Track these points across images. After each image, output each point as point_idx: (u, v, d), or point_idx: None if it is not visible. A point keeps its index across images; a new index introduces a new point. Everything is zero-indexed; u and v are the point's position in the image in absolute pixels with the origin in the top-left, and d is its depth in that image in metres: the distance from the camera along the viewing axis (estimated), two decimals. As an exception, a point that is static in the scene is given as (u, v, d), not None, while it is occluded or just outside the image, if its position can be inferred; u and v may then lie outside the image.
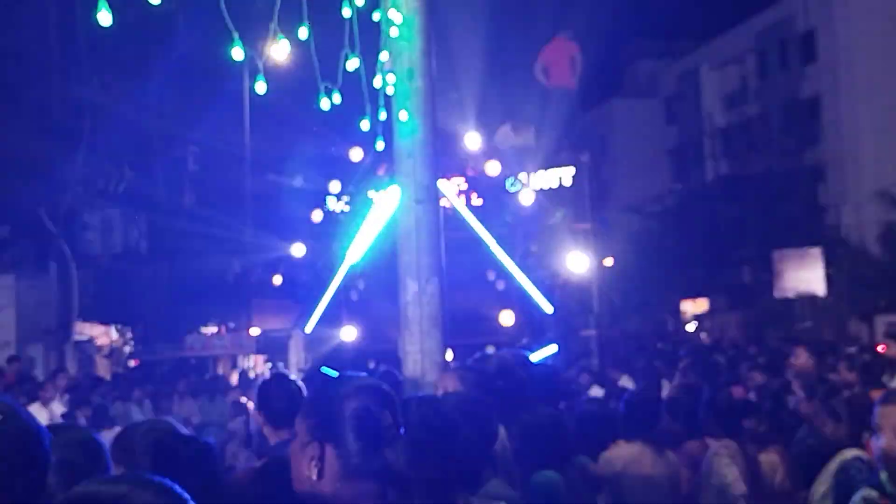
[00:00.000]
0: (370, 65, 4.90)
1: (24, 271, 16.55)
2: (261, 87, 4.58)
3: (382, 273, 9.50)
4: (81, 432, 2.67)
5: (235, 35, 3.95)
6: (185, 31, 17.12)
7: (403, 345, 5.18)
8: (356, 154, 12.67)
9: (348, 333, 12.28)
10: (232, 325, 17.02)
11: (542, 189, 13.81)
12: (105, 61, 17.35)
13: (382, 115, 5.08)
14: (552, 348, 11.47)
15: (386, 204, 10.90)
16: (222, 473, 2.80)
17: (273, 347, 15.79)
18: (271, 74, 4.77)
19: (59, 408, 11.17)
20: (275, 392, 3.88)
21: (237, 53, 4.08)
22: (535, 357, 7.26)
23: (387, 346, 9.58)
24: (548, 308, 12.26)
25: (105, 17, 3.59)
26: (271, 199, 17.22)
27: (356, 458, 2.08)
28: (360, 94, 4.87)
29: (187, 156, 18.95)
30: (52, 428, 2.35)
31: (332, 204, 13.13)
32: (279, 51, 4.43)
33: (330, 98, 4.67)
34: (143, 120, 17.34)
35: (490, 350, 8.68)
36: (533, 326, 12.24)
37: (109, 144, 16.67)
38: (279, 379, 4.07)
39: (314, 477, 2.09)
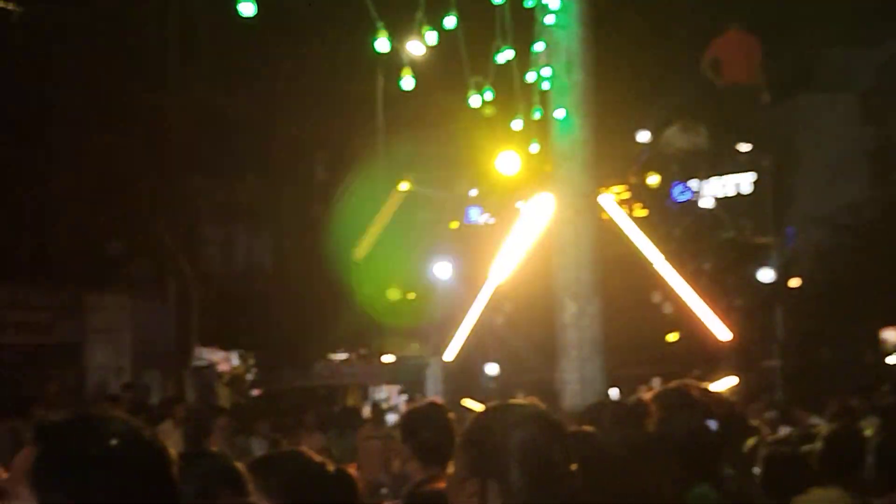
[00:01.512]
0: (523, 58, 4.95)
1: (140, 291, 17.41)
2: (408, 83, 4.69)
3: (532, 294, 9.54)
4: (221, 459, 2.79)
5: (380, 25, 4.07)
6: (309, 33, 17.71)
7: (560, 373, 5.19)
8: (505, 159, 12.78)
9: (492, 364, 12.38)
10: (363, 351, 17.39)
11: (715, 198, 13.59)
12: (225, 69, 18.14)
13: (536, 115, 5.11)
14: (730, 381, 11.25)
15: (537, 215, 10.94)
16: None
17: (409, 376, 16.02)
18: (414, 70, 4.87)
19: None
20: (424, 422, 3.94)
21: (382, 45, 4.20)
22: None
23: (538, 377, 9.61)
24: (723, 335, 12.04)
25: (247, 8, 3.76)
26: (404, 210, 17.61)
27: (522, 496, 2.08)
28: (512, 91, 4.91)
29: (315, 163, 19.58)
30: (192, 455, 2.47)
31: (475, 215, 13.27)
32: (422, 45, 4.53)
33: (481, 95, 4.74)
34: (266, 127, 18.01)
35: (656, 382, 8.60)
36: (706, 355, 12.04)
37: (231, 154, 17.41)
38: (430, 408, 4.13)
39: (474, 515, 2.07)
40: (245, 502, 2.59)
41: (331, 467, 2.84)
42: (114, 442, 1.90)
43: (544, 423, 2.19)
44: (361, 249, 15.85)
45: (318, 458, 2.88)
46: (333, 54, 17.14)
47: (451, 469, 2.32)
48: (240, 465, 2.85)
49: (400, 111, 16.87)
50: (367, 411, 15.97)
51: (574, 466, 2.16)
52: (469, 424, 2.28)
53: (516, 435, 2.13)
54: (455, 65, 4.79)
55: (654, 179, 12.98)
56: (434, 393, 13.86)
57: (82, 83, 16.45)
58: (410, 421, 4.08)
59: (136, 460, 1.91)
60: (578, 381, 5.13)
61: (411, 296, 15.91)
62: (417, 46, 4.63)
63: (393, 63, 4.87)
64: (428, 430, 3.88)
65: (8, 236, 17.47)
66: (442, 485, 3.08)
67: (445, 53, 4.86)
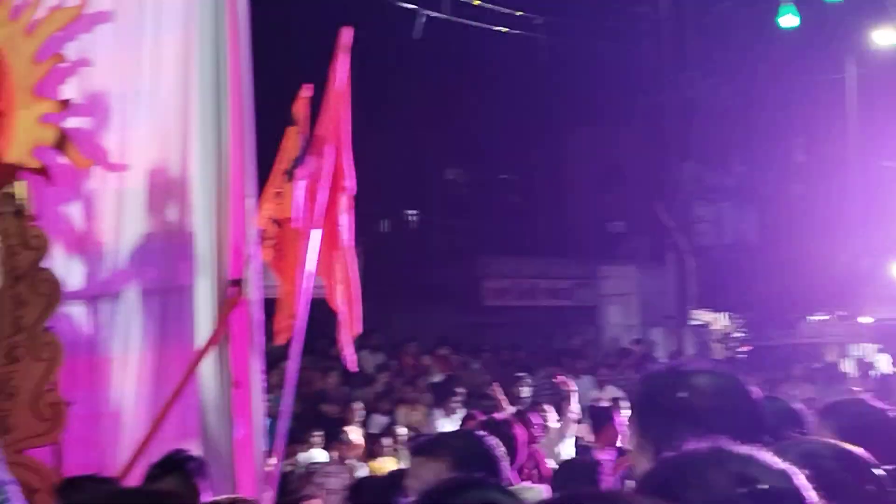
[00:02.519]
0: None
1: (642, 263, 19.90)
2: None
3: None
4: (781, 403, 3.23)
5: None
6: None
7: None
8: None
9: None
10: (842, 312, 18.41)
11: None
12: (707, 59, 19.86)
13: None
14: None
15: None
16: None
17: (888, 337, 16.94)
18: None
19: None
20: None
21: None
22: None
23: None
24: None
25: (790, 20, 5.15)
26: (880, 186, 18.45)
27: None
28: None
29: (794, 147, 20.92)
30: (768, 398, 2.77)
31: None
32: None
33: None
34: (748, 115, 19.62)
35: None
36: None
37: (718, 142, 19.25)
38: None
39: None
40: (811, 440, 2.56)
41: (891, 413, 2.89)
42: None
43: None
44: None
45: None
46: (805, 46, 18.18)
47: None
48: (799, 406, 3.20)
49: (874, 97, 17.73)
50: (847, 366, 17.12)
51: None
52: None
53: None
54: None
55: None
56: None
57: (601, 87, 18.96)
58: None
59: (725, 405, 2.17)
60: None
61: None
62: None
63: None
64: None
65: (537, 220, 20.68)
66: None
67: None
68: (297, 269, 5.44)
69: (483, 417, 7.05)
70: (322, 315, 5.86)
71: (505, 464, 3.24)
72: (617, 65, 18.78)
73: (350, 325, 5.72)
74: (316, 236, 5.50)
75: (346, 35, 5.73)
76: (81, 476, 4.63)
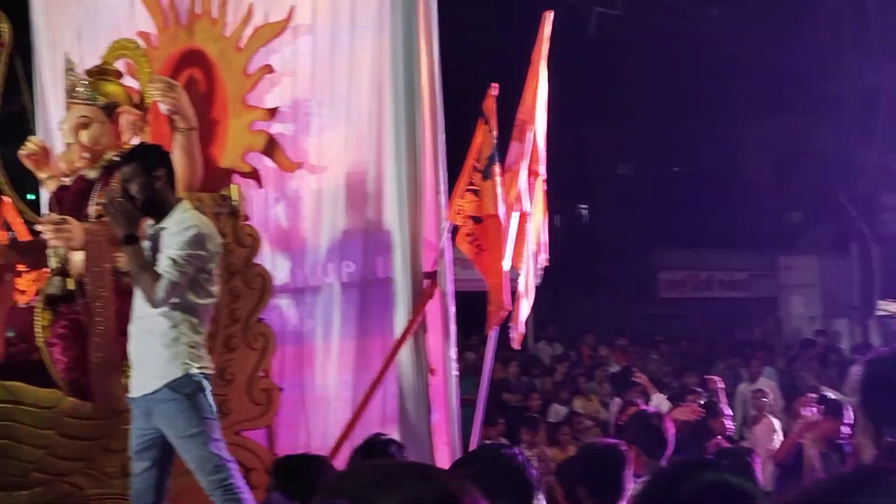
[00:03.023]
0: None
1: (824, 252, 19.28)
2: None
3: None
4: None
5: None
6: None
7: None
8: None
9: None
10: None
11: None
12: (891, 44, 19.08)
13: None
14: None
15: None
16: None
17: None
18: None
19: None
20: None
21: None
22: None
23: None
24: None
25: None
26: None
27: None
28: None
29: None
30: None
31: None
32: None
33: None
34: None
35: None
36: None
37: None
38: None
39: None
40: None
41: None
42: None
43: None
44: None
45: None
46: None
47: None
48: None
49: None
50: None
51: None
52: None
53: None
54: None
55: None
56: None
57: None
58: None
59: None
60: None
61: None
62: None
63: None
64: None
65: (711, 213, 20.33)
66: None
67: None
68: (501, 262, 5.61)
69: (643, 406, 7.00)
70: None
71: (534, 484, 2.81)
72: (794, 53, 18.29)
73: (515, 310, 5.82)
74: (514, 220, 5.66)
75: (548, 19, 5.89)
76: (293, 455, 4.85)
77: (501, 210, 5.59)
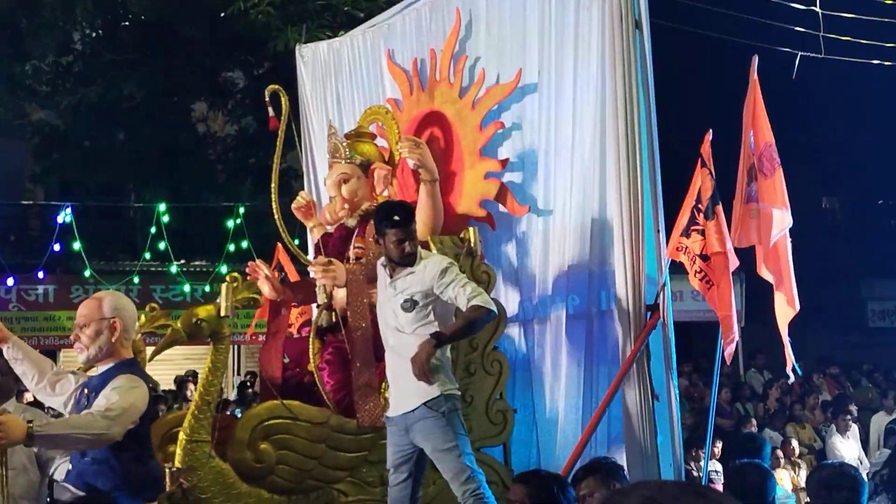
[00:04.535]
0: None
1: None
2: None
3: None
4: None
5: None
6: None
7: None
8: None
9: None
10: None
11: None
12: None
13: None
14: None
15: None
16: None
17: None
18: None
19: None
20: None
21: None
22: None
23: None
24: None
25: None
26: None
27: None
28: None
29: None
30: None
31: None
32: None
33: None
34: None
35: None
36: None
37: None
38: None
39: None
40: None
41: None
42: None
43: None
44: None
45: None
46: None
47: None
48: None
49: None
50: None
51: None
52: None
53: None
54: None
55: None
56: None
57: None
58: None
59: None
60: None
61: None
62: None
63: None
64: None
65: None
66: None
67: None
68: (730, 296, 5.65)
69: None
70: (713, 335, 5.98)
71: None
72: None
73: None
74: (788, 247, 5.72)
75: (754, 62, 5.94)
76: (528, 471, 5.00)
77: (729, 246, 5.64)
